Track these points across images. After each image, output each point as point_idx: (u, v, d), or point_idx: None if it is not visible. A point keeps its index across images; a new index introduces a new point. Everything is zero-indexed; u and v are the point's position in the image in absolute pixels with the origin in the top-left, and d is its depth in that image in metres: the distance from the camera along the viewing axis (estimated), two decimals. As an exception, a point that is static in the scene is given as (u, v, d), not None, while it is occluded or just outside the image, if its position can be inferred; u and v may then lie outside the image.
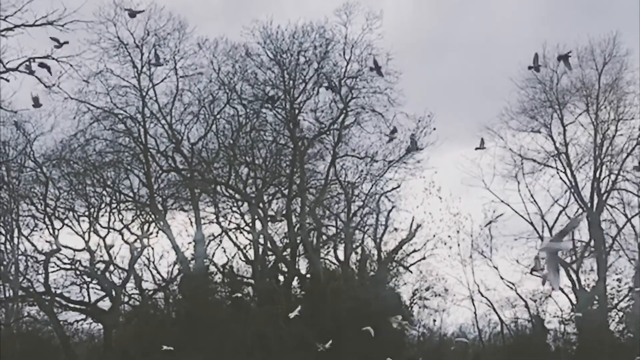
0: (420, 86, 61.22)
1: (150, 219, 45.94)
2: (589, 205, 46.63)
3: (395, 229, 46.46)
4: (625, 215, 46.87)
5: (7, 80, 40.16)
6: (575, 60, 46.79)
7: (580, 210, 45.90)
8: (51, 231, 45.43)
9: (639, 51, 50.37)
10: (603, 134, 47.00)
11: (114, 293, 45.10)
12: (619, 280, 46.28)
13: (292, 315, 27.70)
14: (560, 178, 47.25)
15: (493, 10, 67.15)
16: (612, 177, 47.05)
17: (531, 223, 47.27)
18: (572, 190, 46.91)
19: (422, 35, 66.92)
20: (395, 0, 64.12)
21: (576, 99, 47.41)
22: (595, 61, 46.68)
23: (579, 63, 46.78)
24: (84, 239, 45.60)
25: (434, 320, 47.48)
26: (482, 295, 47.22)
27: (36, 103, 34.98)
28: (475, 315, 47.59)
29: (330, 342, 28.76)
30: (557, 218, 47.06)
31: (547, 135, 47.49)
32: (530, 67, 20.00)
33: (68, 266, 45.83)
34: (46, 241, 45.53)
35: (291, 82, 45.87)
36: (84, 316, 45.92)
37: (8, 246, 45.02)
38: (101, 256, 45.72)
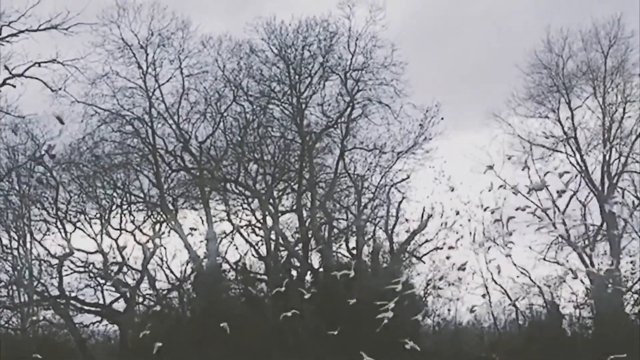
0: (427, 74, 61.15)
1: (162, 219, 46.04)
2: (599, 188, 46.47)
3: (407, 220, 46.48)
4: (637, 197, 46.62)
5: (14, 87, 40.46)
6: (580, 44, 46.87)
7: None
8: (63, 235, 45.62)
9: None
10: (611, 117, 46.82)
11: (128, 294, 45.22)
12: (632, 262, 46.14)
13: None
14: (570, 162, 47.12)
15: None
16: (622, 159, 46.89)
17: (543, 209, 47.05)
18: (583, 174, 46.72)
19: (427, 23, 66.81)
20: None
21: (583, 83, 47.24)
22: (601, 44, 46.53)
23: (584, 46, 46.70)
24: (96, 241, 45.82)
25: (449, 310, 47.48)
26: (496, 283, 47.11)
27: (60, 121, 35.33)
28: (490, 303, 47.48)
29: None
30: (568, 203, 46.89)
31: (555, 120, 47.36)
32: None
33: (82, 269, 45.98)
34: (59, 245, 45.76)
35: (297, 76, 45.92)
36: (99, 318, 46.11)
37: (21, 251, 45.19)
38: (114, 258, 45.90)
